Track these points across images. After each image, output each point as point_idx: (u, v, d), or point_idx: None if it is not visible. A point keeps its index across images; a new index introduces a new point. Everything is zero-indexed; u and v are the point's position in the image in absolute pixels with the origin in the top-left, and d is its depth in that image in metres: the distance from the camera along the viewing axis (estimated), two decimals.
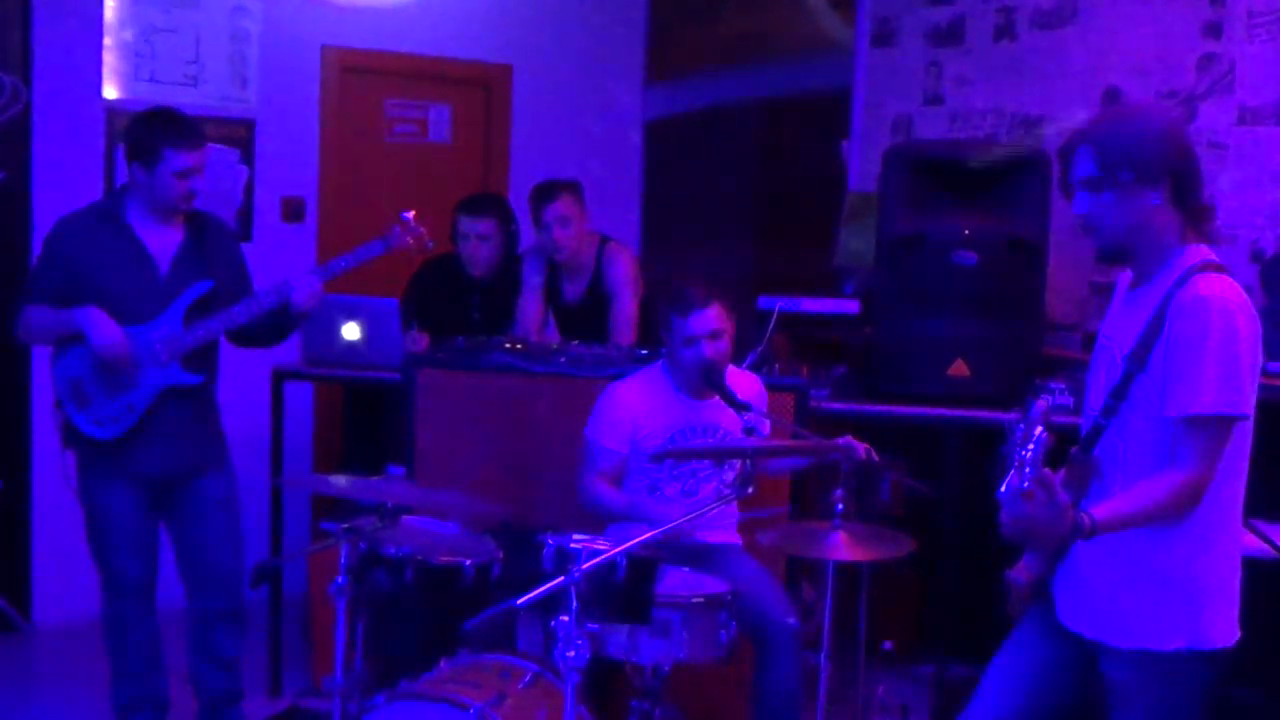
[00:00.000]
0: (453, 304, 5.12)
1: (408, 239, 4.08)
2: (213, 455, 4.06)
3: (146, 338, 3.84)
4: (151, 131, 3.86)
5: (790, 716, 3.61)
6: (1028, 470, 2.31)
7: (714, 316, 3.75)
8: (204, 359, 3.97)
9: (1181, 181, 2.58)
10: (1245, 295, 2.54)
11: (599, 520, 3.87)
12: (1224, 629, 2.58)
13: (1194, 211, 2.61)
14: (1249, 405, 2.49)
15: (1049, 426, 2.33)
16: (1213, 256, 2.59)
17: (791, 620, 3.66)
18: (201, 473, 4.01)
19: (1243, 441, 2.55)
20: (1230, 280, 2.54)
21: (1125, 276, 2.75)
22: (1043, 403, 2.40)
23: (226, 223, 4.27)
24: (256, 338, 4.11)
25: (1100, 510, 2.46)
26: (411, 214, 4.10)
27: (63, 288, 3.86)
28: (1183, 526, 2.52)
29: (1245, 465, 2.58)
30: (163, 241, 3.92)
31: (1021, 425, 2.35)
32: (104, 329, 3.77)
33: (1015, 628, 2.82)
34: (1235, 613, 2.59)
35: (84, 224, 3.94)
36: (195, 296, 3.89)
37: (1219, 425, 2.47)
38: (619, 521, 3.80)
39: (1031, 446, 2.30)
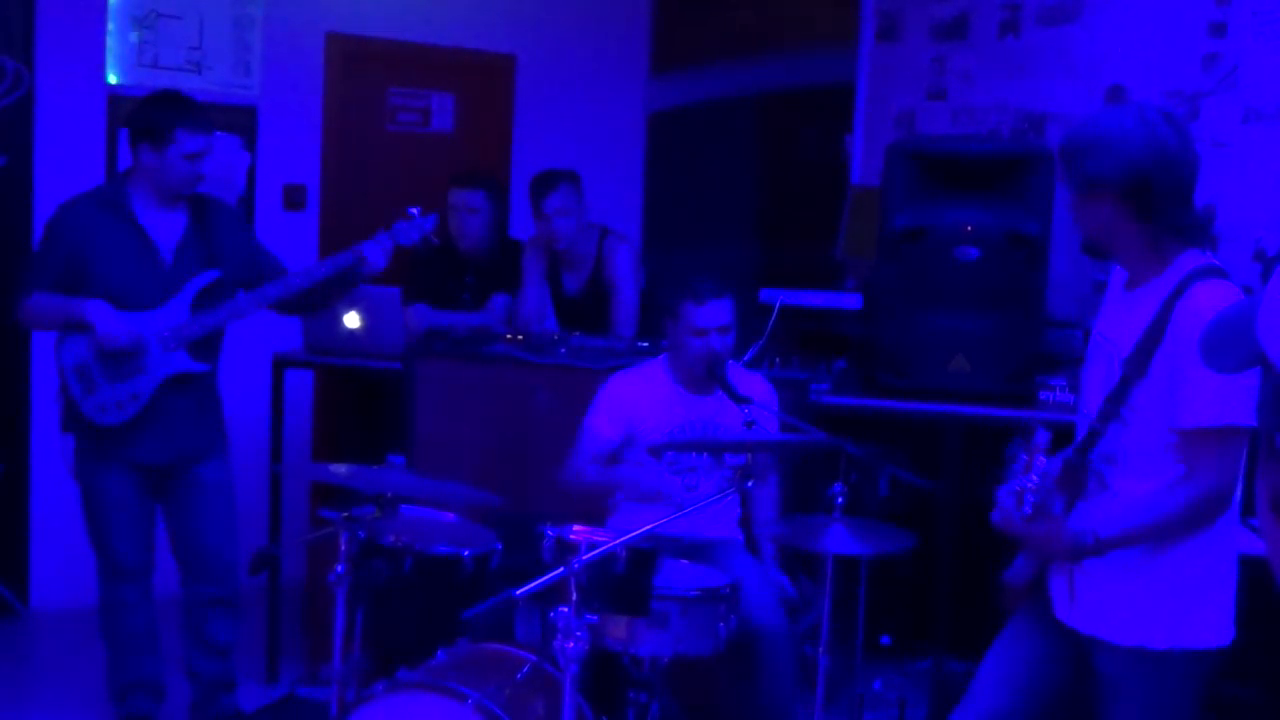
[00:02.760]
0: (444, 284, 5.11)
1: (414, 235, 4.07)
2: (212, 442, 4.06)
3: (153, 326, 3.83)
4: (163, 113, 3.85)
5: (785, 713, 3.62)
6: (1028, 497, 2.33)
7: (726, 310, 3.76)
8: (209, 347, 3.97)
9: (1144, 196, 2.52)
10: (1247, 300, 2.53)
11: (599, 511, 3.87)
12: (1219, 629, 2.58)
13: (1174, 225, 2.55)
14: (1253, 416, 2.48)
15: (1050, 455, 2.35)
16: (1210, 260, 2.57)
17: (784, 620, 3.66)
18: (200, 459, 4.02)
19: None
20: (1231, 285, 2.53)
21: (1120, 272, 2.74)
22: (1044, 434, 2.41)
23: (229, 205, 4.25)
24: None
25: (1106, 529, 2.47)
26: (418, 209, 4.10)
27: (65, 274, 3.85)
28: (1191, 532, 2.52)
29: (1241, 468, 2.58)
30: (166, 228, 3.92)
31: (1024, 454, 2.35)
32: (110, 320, 3.77)
33: (1008, 624, 2.82)
34: (1231, 612, 2.60)
35: (85, 210, 3.92)
36: (202, 285, 3.88)
37: (1233, 435, 2.46)
38: (607, 498, 3.81)
39: (1035, 477, 2.31)
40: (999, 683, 2.77)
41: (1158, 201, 2.53)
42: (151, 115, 3.87)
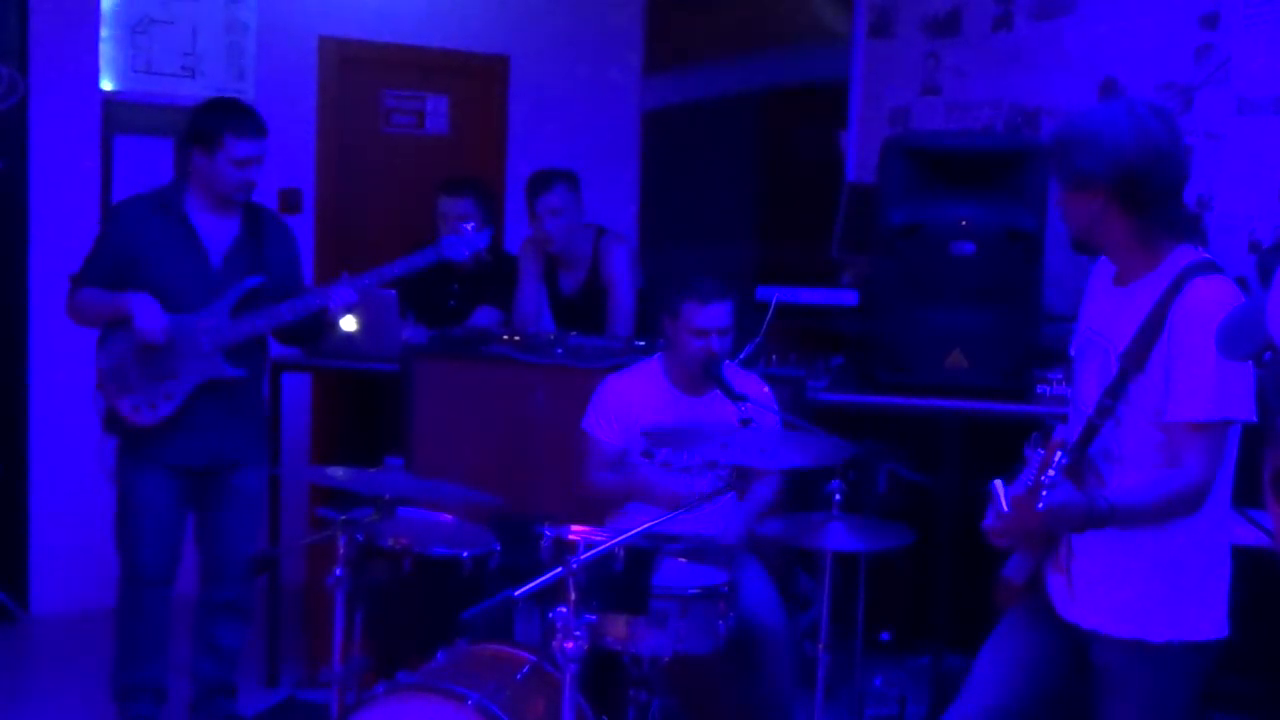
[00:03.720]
0: (431, 290, 5.10)
1: (464, 251, 4.08)
2: (251, 449, 4.10)
3: (192, 328, 3.86)
4: (215, 118, 3.90)
5: (785, 710, 3.61)
6: (1044, 493, 2.31)
7: (727, 312, 3.76)
8: (249, 353, 3.99)
9: (1136, 191, 2.53)
10: (1243, 295, 2.53)
11: (598, 511, 3.87)
12: (1214, 621, 2.58)
13: (1165, 220, 2.56)
14: (1249, 409, 2.48)
15: (1066, 451, 2.36)
16: (1204, 255, 2.58)
17: (783, 618, 3.66)
18: (238, 466, 4.05)
19: (1232, 438, 2.55)
20: (1227, 281, 2.53)
21: (1104, 267, 2.74)
22: (1062, 431, 2.41)
23: (283, 219, 4.29)
24: (299, 336, 4.12)
25: (1118, 496, 2.46)
26: (472, 225, 4.12)
27: (115, 272, 3.90)
28: (1175, 520, 2.52)
29: (1233, 461, 2.58)
30: (217, 233, 3.95)
31: (1042, 450, 2.35)
32: (150, 314, 3.80)
33: (1003, 619, 2.82)
34: (1225, 605, 2.60)
35: (141, 210, 3.98)
36: (244, 290, 3.90)
37: (1220, 429, 2.47)
38: (625, 503, 3.81)
39: (1052, 472, 2.31)
40: (994, 679, 2.76)
41: (1148, 196, 2.54)
42: (202, 120, 3.93)
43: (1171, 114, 2.61)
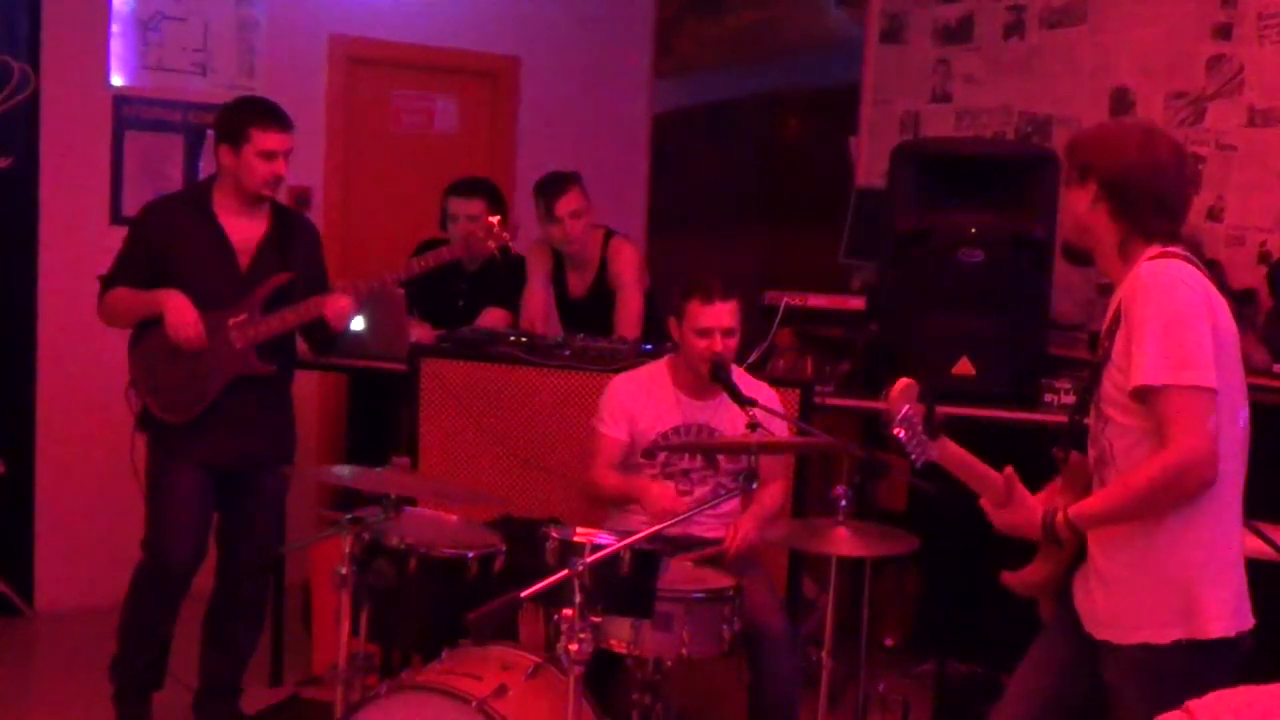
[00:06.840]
0: (440, 290, 5.09)
1: (489, 244, 4.09)
2: (281, 448, 4.11)
3: (223, 325, 3.86)
4: (239, 114, 3.94)
5: (787, 716, 3.61)
6: None
7: (731, 312, 3.76)
8: (278, 350, 3.99)
9: (1125, 190, 2.58)
10: (1199, 275, 2.51)
11: (602, 510, 3.87)
12: (1222, 620, 2.56)
13: (1146, 229, 2.58)
14: (1206, 377, 2.42)
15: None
16: (1172, 248, 2.57)
17: (787, 623, 3.65)
18: (264, 466, 4.06)
19: (1233, 432, 2.53)
20: (1180, 263, 2.53)
21: None
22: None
23: (311, 222, 4.30)
24: (316, 337, 4.12)
25: (1074, 506, 2.57)
26: (495, 219, 4.13)
27: (147, 272, 3.90)
28: (1178, 519, 2.50)
29: (1242, 459, 2.57)
30: (246, 232, 3.96)
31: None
32: (182, 313, 3.80)
33: (1042, 630, 2.82)
34: (1234, 605, 2.57)
35: (170, 210, 4.00)
36: (274, 288, 3.91)
37: (1194, 395, 2.43)
38: (620, 506, 3.81)
39: None
40: (1026, 691, 2.76)
41: (1136, 201, 2.58)
42: (228, 118, 3.96)
43: (1187, 151, 2.65)
